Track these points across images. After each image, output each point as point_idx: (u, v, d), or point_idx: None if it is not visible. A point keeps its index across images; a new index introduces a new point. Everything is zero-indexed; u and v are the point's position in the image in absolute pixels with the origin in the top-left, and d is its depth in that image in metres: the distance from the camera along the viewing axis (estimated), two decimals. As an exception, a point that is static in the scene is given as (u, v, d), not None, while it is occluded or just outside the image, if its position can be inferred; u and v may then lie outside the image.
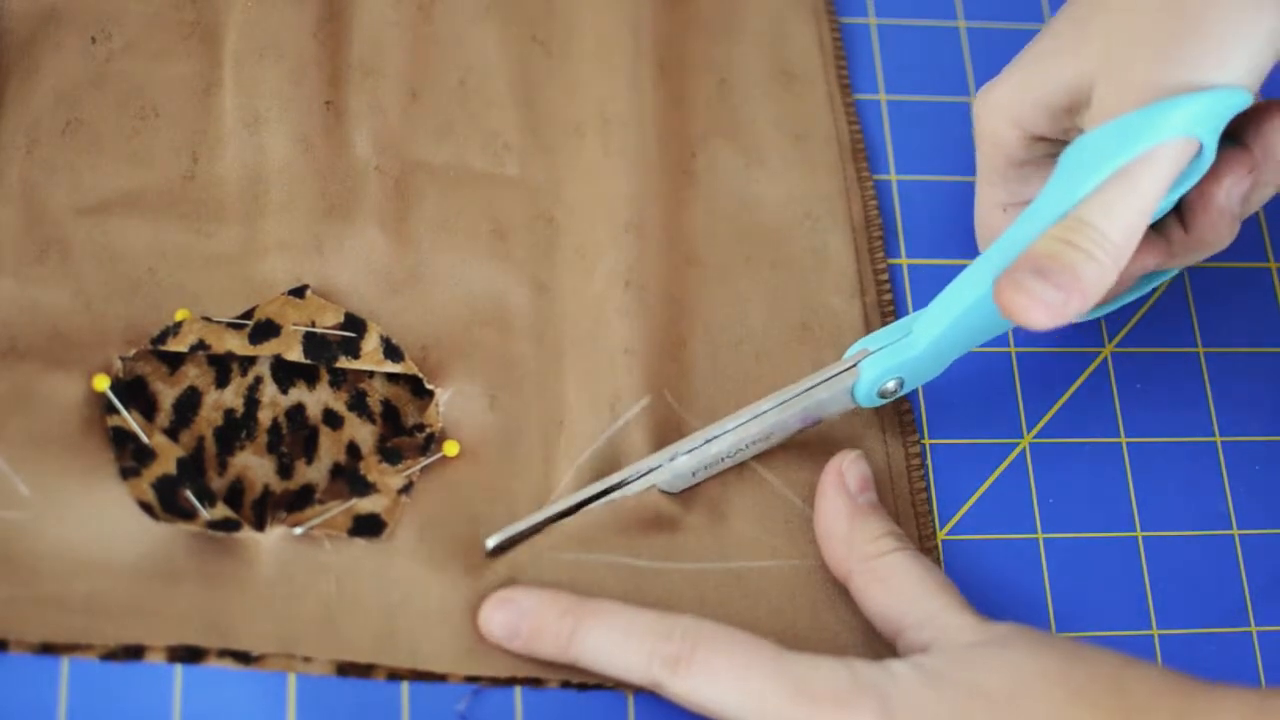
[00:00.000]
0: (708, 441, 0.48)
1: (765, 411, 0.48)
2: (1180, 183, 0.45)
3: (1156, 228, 0.49)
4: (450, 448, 0.48)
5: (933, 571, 0.46)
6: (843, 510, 0.48)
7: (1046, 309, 0.43)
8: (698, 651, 0.43)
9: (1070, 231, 0.43)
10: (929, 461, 0.52)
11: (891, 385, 0.49)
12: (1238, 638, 0.51)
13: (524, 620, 0.45)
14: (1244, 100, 0.43)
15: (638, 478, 0.48)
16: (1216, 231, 0.48)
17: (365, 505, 0.46)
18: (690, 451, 0.48)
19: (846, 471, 0.48)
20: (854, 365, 0.48)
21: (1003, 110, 0.48)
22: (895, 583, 0.45)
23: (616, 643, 0.44)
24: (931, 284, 0.55)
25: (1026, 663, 0.42)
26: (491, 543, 0.46)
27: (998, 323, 0.47)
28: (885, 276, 0.54)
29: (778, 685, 0.42)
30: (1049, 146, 0.49)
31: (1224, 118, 0.43)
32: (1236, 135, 0.48)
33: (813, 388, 0.48)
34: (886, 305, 0.54)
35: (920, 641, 0.44)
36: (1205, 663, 0.51)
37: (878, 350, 0.48)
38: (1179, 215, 0.49)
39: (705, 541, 0.48)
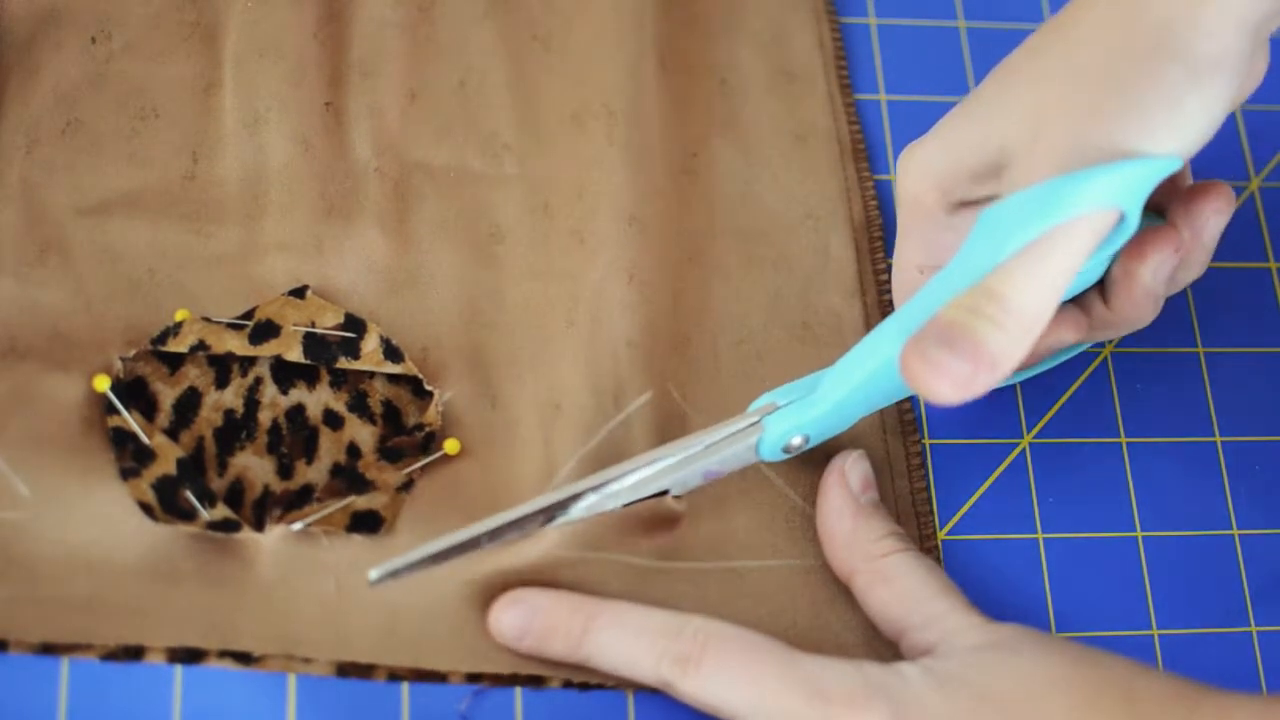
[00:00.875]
0: (604, 483, 0.46)
1: (667, 464, 0.47)
2: (1101, 249, 0.43)
3: (1078, 301, 0.48)
4: (451, 446, 0.48)
5: (936, 572, 0.46)
6: (845, 510, 0.48)
7: (953, 381, 0.40)
8: (708, 651, 0.42)
9: (979, 301, 0.40)
10: (929, 461, 0.52)
11: (797, 441, 0.47)
12: (1238, 638, 0.51)
13: (535, 618, 0.44)
14: (1172, 167, 0.41)
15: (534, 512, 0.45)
16: (1139, 310, 0.47)
17: (363, 502, 0.46)
18: (594, 489, 0.46)
19: (849, 471, 0.48)
20: (758, 421, 0.47)
21: (924, 171, 0.47)
22: (899, 584, 0.45)
23: (627, 642, 0.43)
24: (931, 284, 0.55)
25: (1036, 669, 0.42)
26: (375, 575, 0.42)
27: (904, 387, 0.46)
28: (885, 277, 0.54)
29: (789, 686, 0.42)
30: (970, 210, 0.47)
31: (1148, 187, 0.41)
32: (1164, 212, 0.47)
33: (716, 443, 0.47)
34: (887, 305, 0.54)
35: (925, 643, 0.44)
36: (1205, 663, 0.51)
37: (784, 406, 0.47)
38: (1101, 289, 0.48)
39: (708, 540, 0.48)
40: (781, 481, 0.50)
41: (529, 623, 0.44)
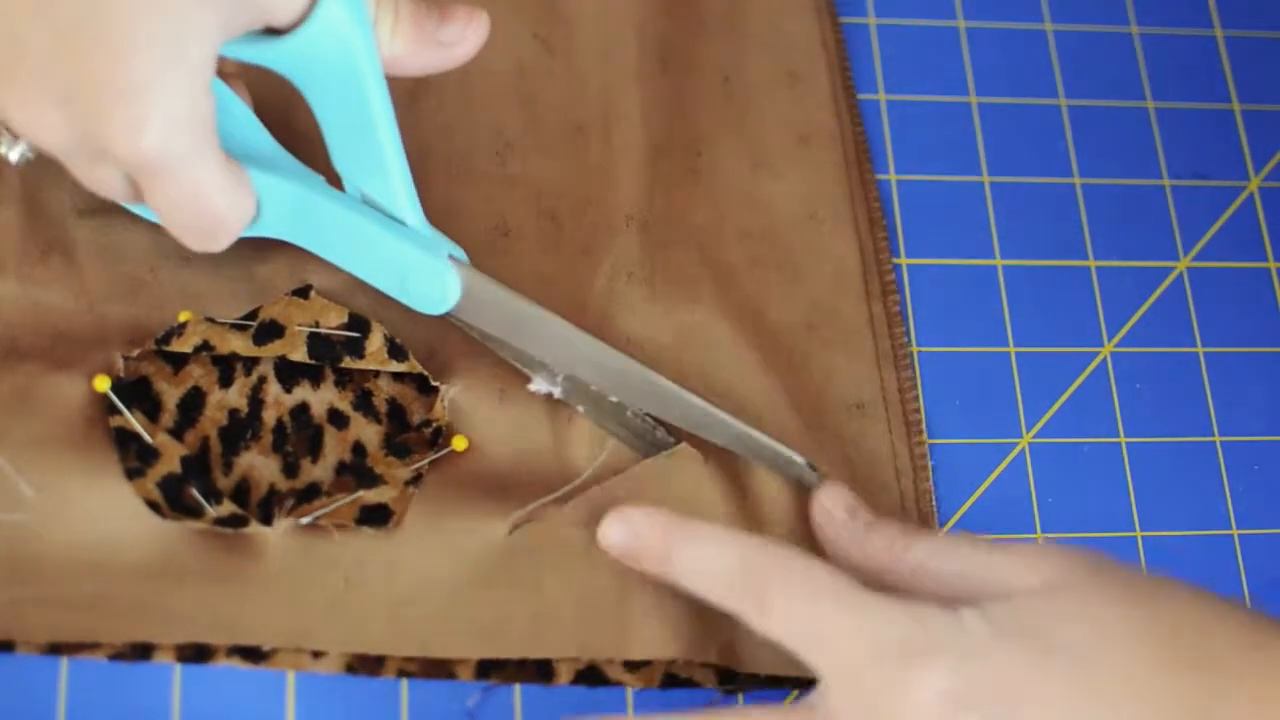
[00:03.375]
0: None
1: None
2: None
3: None
4: (459, 442, 0.48)
5: (958, 539, 0.43)
6: (844, 542, 0.46)
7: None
8: (775, 593, 0.41)
9: None
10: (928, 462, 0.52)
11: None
12: (1238, 637, 0.52)
13: (634, 540, 0.44)
14: None
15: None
16: None
17: (373, 496, 0.46)
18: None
19: (832, 507, 0.47)
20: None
21: None
22: (933, 567, 0.43)
23: (703, 571, 0.42)
24: (931, 284, 0.56)
25: (1106, 612, 0.40)
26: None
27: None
28: (891, 278, 0.54)
29: (851, 639, 0.40)
30: None
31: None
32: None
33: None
34: (892, 305, 0.54)
35: (986, 592, 0.41)
36: (1205, 662, 0.51)
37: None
38: None
39: (721, 517, 0.48)
40: (803, 461, 0.49)
41: (629, 543, 0.44)
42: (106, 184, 0.42)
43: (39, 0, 0.36)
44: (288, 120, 0.47)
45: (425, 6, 0.44)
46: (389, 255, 0.46)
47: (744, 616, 0.42)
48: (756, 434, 0.48)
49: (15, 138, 0.43)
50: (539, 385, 0.48)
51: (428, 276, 0.47)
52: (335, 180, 0.46)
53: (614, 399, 0.48)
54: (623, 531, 0.44)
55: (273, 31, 0.41)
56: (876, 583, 0.44)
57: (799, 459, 0.48)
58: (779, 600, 0.41)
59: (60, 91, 0.38)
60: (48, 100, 0.38)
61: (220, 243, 0.43)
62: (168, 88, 0.37)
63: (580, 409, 0.49)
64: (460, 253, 0.48)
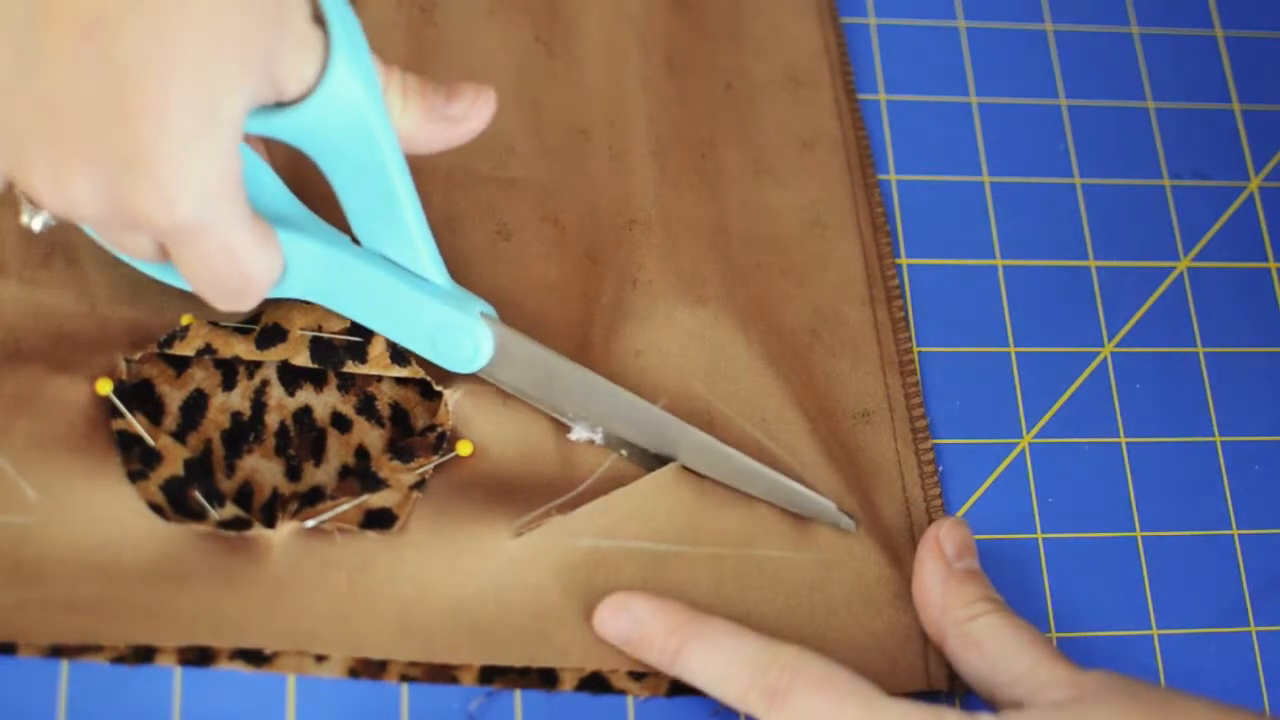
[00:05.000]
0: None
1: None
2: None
3: None
4: (464, 448, 0.48)
5: (1026, 629, 0.45)
6: (938, 576, 0.47)
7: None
8: (794, 688, 0.43)
9: None
10: (928, 463, 0.52)
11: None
12: (1237, 638, 0.52)
13: (635, 629, 0.45)
14: None
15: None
16: None
17: (377, 500, 0.46)
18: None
19: (944, 539, 0.48)
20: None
21: None
22: (988, 645, 0.45)
23: (718, 668, 0.44)
24: (932, 284, 0.56)
25: None
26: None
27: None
28: (895, 283, 0.54)
29: None
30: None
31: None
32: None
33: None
34: (896, 311, 0.54)
35: (1013, 698, 0.44)
36: (1205, 663, 0.51)
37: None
38: None
39: (726, 528, 0.48)
40: (807, 476, 0.50)
41: (630, 633, 0.45)
42: (135, 249, 0.41)
43: (72, 68, 0.36)
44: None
45: (433, 84, 0.45)
46: (419, 314, 0.46)
47: (755, 713, 0.43)
48: (793, 484, 0.49)
49: (38, 207, 0.43)
50: (579, 434, 0.49)
51: (459, 334, 0.47)
52: (357, 242, 0.46)
53: (652, 451, 0.49)
54: (625, 621, 0.45)
55: (282, 103, 0.41)
56: (934, 625, 0.47)
57: (833, 506, 0.49)
58: (796, 696, 0.43)
59: (92, 163, 0.37)
60: (79, 173, 0.37)
61: (247, 303, 0.43)
62: (201, 154, 0.37)
63: (623, 453, 0.49)
64: (490, 309, 0.48)
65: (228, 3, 0.36)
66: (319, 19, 0.40)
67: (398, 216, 0.44)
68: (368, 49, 0.41)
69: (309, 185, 0.46)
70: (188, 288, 0.42)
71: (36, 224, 0.43)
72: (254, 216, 0.41)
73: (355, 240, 0.46)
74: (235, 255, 0.40)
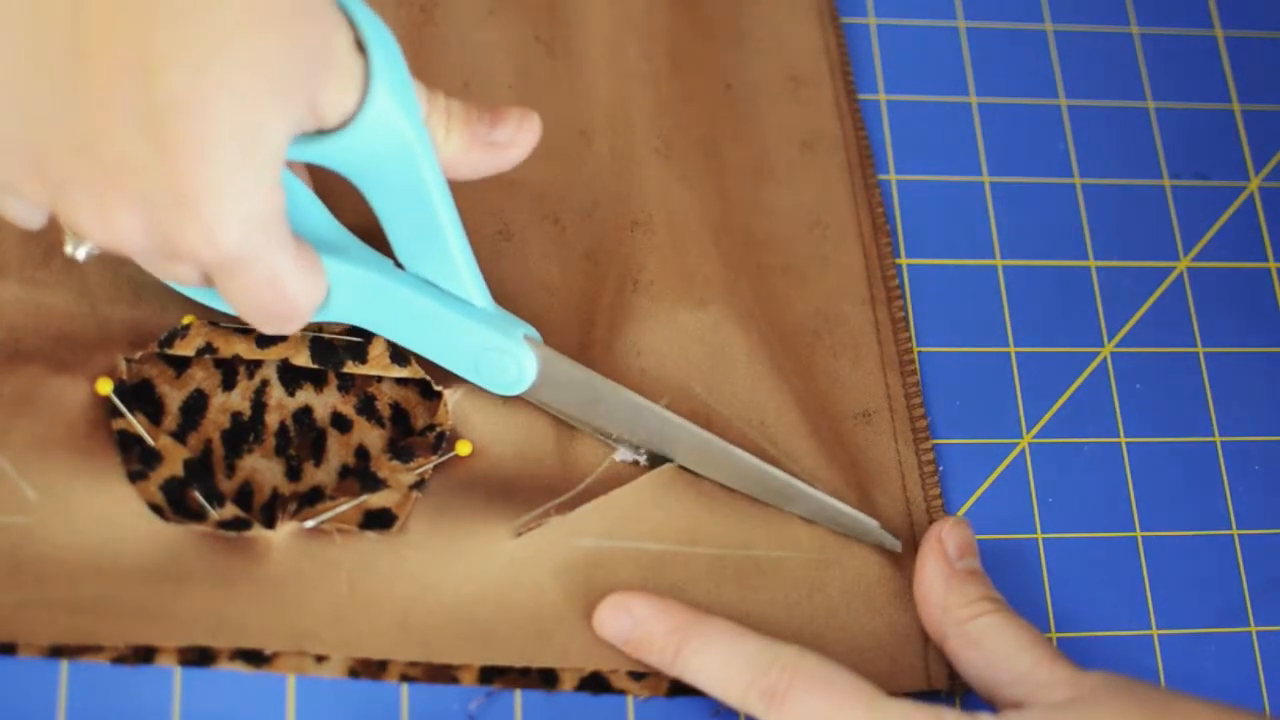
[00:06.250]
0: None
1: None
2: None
3: None
4: (463, 448, 0.48)
5: (1027, 629, 0.46)
6: (939, 575, 0.47)
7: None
8: (794, 688, 0.43)
9: None
10: (927, 463, 0.52)
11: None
12: (1237, 638, 0.52)
13: (635, 629, 0.45)
14: None
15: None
16: None
17: (376, 500, 0.46)
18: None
19: (946, 538, 0.48)
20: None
21: None
22: (989, 645, 0.45)
23: (718, 668, 0.44)
24: (932, 284, 0.56)
25: None
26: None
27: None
28: (895, 283, 0.54)
29: None
30: None
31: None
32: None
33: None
34: (896, 311, 0.54)
35: (1013, 699, 0.44)
36: (1205, 663, 0.51)
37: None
38: None
39: (727, 527, 0.48)
40: (806, 477, 0.50)
41: (629, 633, 0.45)
42: (180, 277, 0.41)
43: (111, 106, 0.36)
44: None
45: (477, 110, 0.44)
46: (462, 337, 0.46)
47: (755, 714, 0.43)
48: (837, 504, 0.49)
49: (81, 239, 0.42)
50: (624, 455, 0.49)
51: (503, 357, 0.46)
52: (400, 265, 0.46)
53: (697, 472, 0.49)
54: (625, 621, 0.46)
55: (324, 131, 0.40)
56: (935, 624, 0.47)
57: (876, 525, 0.49)
58: (796, 695, 0.43)
59: (134, 199, 0.37)
60: (122, 208, 0.37)
61: (292, 326, 0.43)
62: (243, 188, 0.37)
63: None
64: (534, 332, 0.48)
65: (270, 37, 0.36)
66: (360, 45, 0.40)
67: (440, 240, 0.44)
68: (409, 75, 0.41)
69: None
70: (232, 311, 0.42)
71: (81, 254, 0.42)
72: (298, 243, 0.41)
73: (398, 264, 0.46)
74: (279, 283, 0.40)
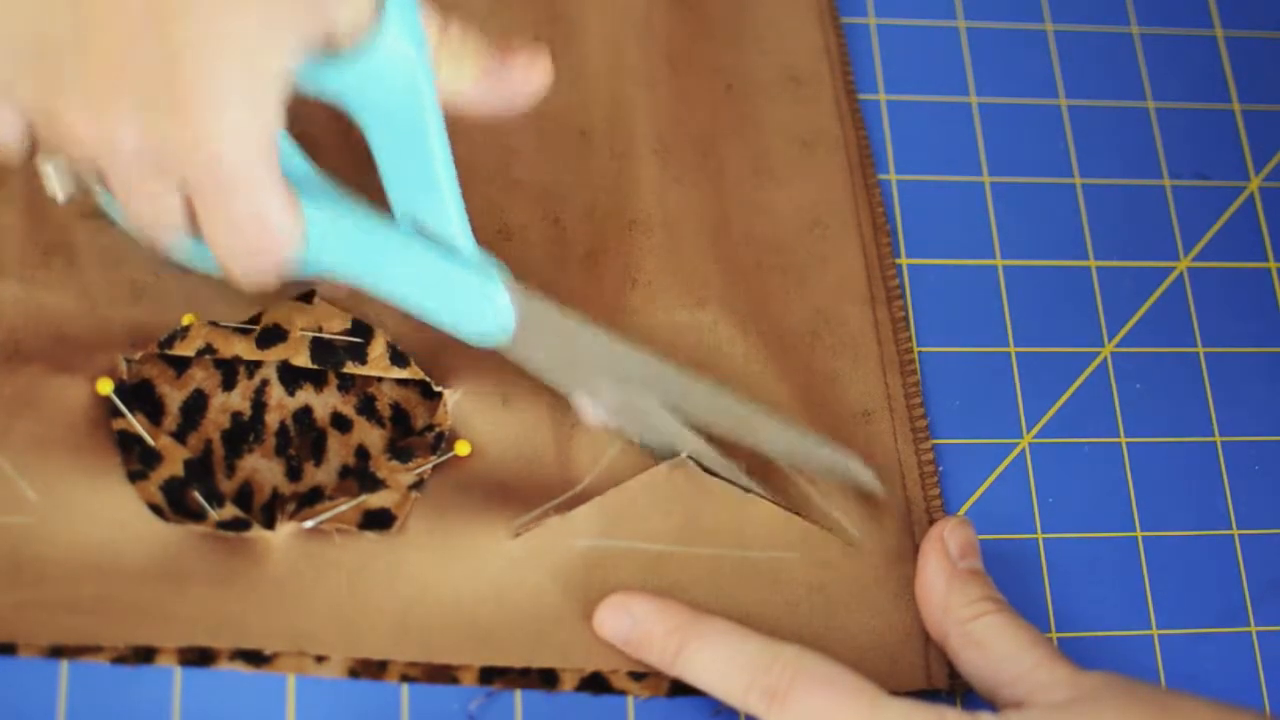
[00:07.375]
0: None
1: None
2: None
3: None
4: (462, 448, 0.48)
5: (1028, 629, 0.46)
6: (941, 574, 0.47)
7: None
8: (795, 687, 0.43)
9: None
10: (927, 463, 0.52)
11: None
12: (1238, 638, 0.52)
13: (635, 630, 0.45)
14: None
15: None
16: None
17: (375, 500, 0.46)
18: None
19: (948, 538, 0.48)
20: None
21: None
22: (990, 645, 0.45)
23: (719, 668, 0.44)
24: (932, 284, 0.56)
25: None
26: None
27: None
28: (895, 283, 0.54)
29: None
30: None
31: None
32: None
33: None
34: (897, 311, 0.54)
35: (1014, 698, 0.44)
36: (1205, 663, 0.51)
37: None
38: None
39: (726, 527, 0.48)
40: (804, 478, 0.50)
41: (629, 633, 0.45)
42: (161, 209, 0.41)
43: (117, 3, 0.35)
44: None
45: (486, 46, 0.44)
46: (438, 278, 0.46)
47: (756, 714, 0.43)
48: (814, 440, 0.49)
49: (64, 172, 0.42)
50: (596, 413, 0.48)
51: (483, 301, 0.46)
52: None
53: (672, 419, 0.48)
54: (624, 622, 0.45)
55: (331, 58, 0.40)
56: (936, 623, 0.47)
57: (857, 463, 0.49)
58: (797, 695, 0.43)
59: (138, 93, 0.37)
60: (120, 104, 0.37)
61: (269, 270, 0.42)
62: (248, 97, 0.37)
63: (640, 445, 0.49)
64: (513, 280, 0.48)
65: None
66: None
67: (432, 179, 0.44)
68: (419, 4, 0.41)
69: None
70: (203, 268, 0.42)
71: (61, 195, 0.42)
72: (283, 179, 0.41)
73: (388, 206, 0.45)
74: (265, 213, 0.40)
